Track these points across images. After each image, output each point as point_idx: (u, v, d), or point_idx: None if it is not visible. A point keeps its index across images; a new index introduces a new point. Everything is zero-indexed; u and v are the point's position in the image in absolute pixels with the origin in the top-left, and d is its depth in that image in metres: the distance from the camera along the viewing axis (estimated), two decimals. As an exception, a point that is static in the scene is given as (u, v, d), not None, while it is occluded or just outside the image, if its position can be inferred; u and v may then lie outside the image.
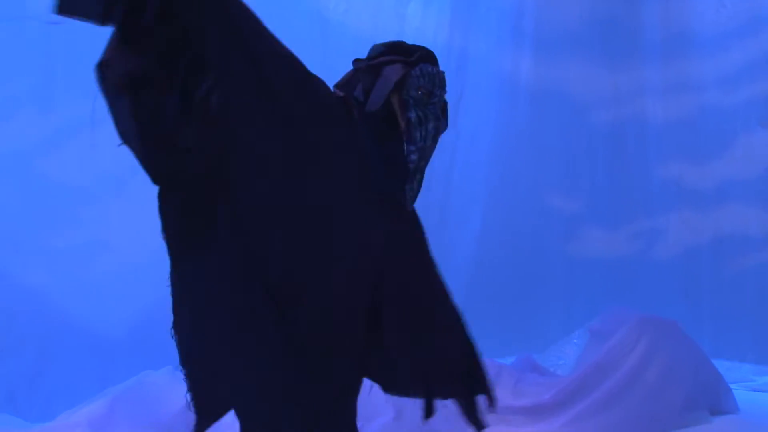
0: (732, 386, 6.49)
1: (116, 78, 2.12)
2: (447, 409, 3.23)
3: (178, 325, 2.82)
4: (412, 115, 2.81)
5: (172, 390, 5.53)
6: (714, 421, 6.14)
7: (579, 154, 7.51)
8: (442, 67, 3.39)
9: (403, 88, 2.89)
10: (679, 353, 6.21)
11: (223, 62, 2.04)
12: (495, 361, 6.08)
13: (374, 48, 3.09)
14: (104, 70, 2.18)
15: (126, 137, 2.07)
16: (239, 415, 2.93)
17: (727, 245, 7.29)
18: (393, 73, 2.80)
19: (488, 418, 4.47)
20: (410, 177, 2.81)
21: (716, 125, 7.33)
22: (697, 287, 7.37)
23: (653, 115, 7.55)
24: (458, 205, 7.16)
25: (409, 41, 6.69)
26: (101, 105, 5.81)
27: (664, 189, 7.52)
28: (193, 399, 2.82)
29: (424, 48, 3.14)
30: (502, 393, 5.57)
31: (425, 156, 2.97)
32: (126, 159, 5.93)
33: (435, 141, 3.03)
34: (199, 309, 2.70)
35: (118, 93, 2.12)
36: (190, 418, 5.44)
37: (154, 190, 5.99)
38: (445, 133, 7.01)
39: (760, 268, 7.16)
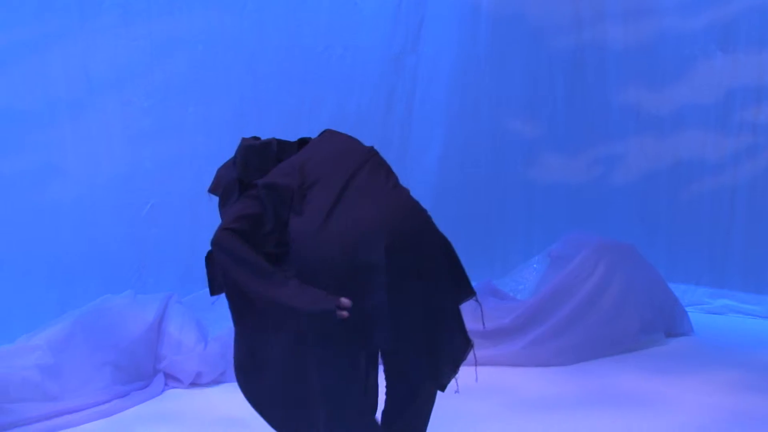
0: (687, 309, 6.62)
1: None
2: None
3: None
4: None
5: (132, 314, 5.52)
6: (669, 342, 6.29)
7: (539, 79, 7.47)
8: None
9: None
10: (636, 277, 6.30)
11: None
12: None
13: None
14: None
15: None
16: None
17: (684, 170, 7.34)
18: None
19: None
20: None
21: (676, 50, 7.31)
22: (655, 212, 7.44)
23: (613, 40, 7.51)
24: (419, 130, 7.12)
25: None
26: (53, 26, 5.70)
27: (623, 115, 7.53)
28: None
29: None
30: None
31: None
32: (80, 83, 5.87)
33: None
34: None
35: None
36: (150, 341, 5.46)
37: (110, 115, 5.92)
38: (406, 57, 6.99)
39: (716, 192, 7.24)
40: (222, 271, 3.28)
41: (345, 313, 3.02)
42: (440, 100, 7.18)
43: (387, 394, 3.35)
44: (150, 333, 5.50)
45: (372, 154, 3.43)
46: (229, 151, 5.94)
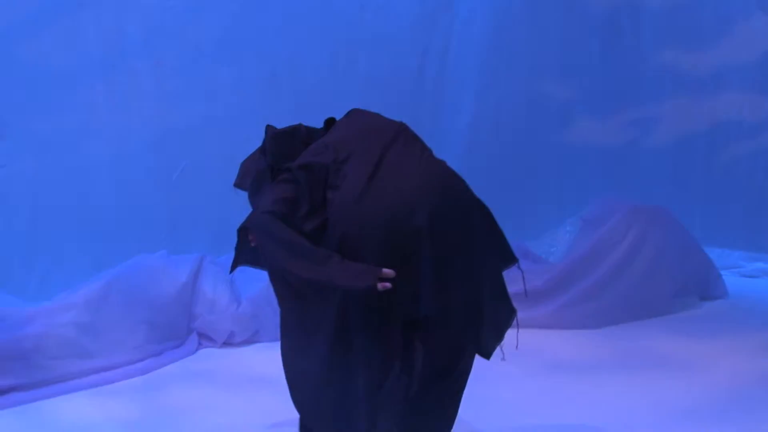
0: (722, 272, 6.57)
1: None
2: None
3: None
4: None
5: (166, 274, 5.58)
6: (703, 306, 6.25)
7: (574, 40, 7.37)
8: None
9: None
10: (669, 240, 6.26)
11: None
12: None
13: None
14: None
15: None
16: None
17: (721, 132, 7.26)
18: None
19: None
20: None
21: (714, 11, 7.19)
22: (690, 175, 7.36)
23: (650, 0, 7.39)
24: (452, 90, 7.07)
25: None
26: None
27: (659, 76, 7.42)
28: None
29: None
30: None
31: None
32: (113, 43, 5.89)
33: None
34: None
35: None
36: (184, 301, 5.53)
37: (143, 76, 5.95)
38: (440, 16, 6.91)
39: (753, 155, 7.16)
40: (264, 255, 3.29)
41: (388, 285, 3.03)
42: (474, 60, 7.11)
43: (425, 359, 3.33)
44: (184, 293, 5.57)
45: (403, 128, 3.43)
46: (261, 113, 5.98)
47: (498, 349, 3.37)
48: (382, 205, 3.15)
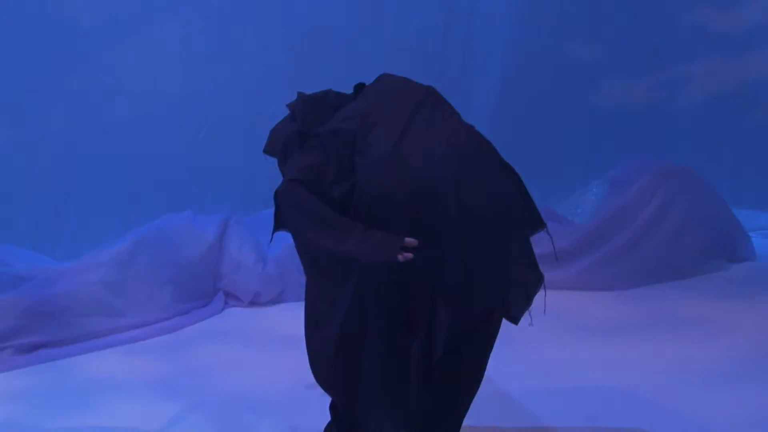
0: (751, 234, 6.52)
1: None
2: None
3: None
4: None
5: (192, 234, 5.64)
6: (731, 268, 6.21)
7: (602, 0, 7.28)
8: None
9: None
10: (697, 201, 6.22)
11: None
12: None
13: None
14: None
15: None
16: None
17: (752, 93, 7.16)
18: None
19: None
20: None
21: (746, -33, 7.08)
22: (720, 136, 7.28)
23: (680, -44, 7.28)
24: (479, 52, 7.02)
25: None
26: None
27: (688, 36, 7.32)
28: None
29: None
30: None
31: None
32: (140, 2, 5.90)
33: None
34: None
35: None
36: (210, 260, 5.59)
37: (169, 35, 5.96)
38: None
39: (784, 116, 7.08)
40: (289, 224, 3.30)
41: (409, 255, 3.02)
42: (501, 22, 7.04)
43: (451, 324, 3.32)
44: (210, 253, 5.62)
45: (431, 92, 3.39)
46: (287, 74, 5.97)
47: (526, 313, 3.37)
48: (409, 170, 3.13)
